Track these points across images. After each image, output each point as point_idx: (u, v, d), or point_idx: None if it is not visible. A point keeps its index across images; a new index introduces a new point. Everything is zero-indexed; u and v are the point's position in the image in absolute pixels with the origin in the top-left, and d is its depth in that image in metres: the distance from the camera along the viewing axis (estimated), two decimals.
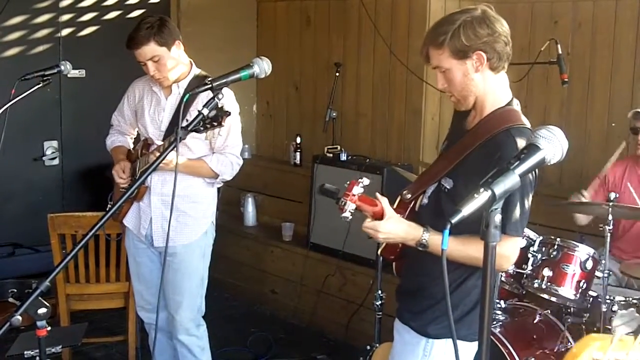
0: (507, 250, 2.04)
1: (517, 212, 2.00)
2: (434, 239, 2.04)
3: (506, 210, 1.95)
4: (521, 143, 1.98)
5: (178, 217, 3.18)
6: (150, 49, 3.00)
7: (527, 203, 2.02)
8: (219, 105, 2.48)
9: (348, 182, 2.08)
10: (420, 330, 2.18)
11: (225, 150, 3.18)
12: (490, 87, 2.10)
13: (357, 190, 2.06)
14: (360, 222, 2.11)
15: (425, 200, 2.20)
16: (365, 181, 2.08)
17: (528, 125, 2.08)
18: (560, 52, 3.70)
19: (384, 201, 2.09)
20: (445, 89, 2.13)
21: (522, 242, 2.17)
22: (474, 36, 2.02)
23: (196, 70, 3.22)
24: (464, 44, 2.02)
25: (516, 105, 2.15)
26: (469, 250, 1.99)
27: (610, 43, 4.31)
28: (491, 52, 2.04)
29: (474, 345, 2.13)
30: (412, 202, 2.21)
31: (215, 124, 2.45)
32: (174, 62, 3.09)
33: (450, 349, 2.11)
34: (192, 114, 2.59)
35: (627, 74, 4.25)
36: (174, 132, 2.11)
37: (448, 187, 2.11)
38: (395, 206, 2.18)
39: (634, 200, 3.60)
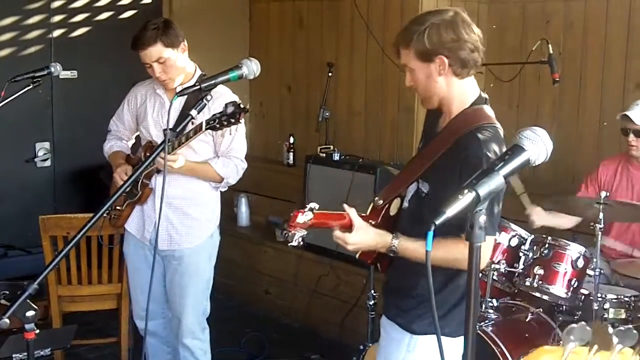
0: (484, 251, 1.97)
1: (494, 210, 2.00)
2: (404, 245, 2.05)
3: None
4: (485, 141, 1.99)
5: (183, 220, 3.16)
6: (157, 50, 2.98)
7: (499, 204, 2.04)
8: (237, 102, 2.46)
9: (292, 214, 2.00)
10: (406, 326, 2.19)
11: (230, 153, 3.14)
12: (456, 91, 2.11)
13: (302, 218, 1.97)
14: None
15: (406, 204, 2.21)
16: (314, 205, 2.00)
17: (494, 122, 2.08)
18: (551, 51, 3.71)
19: (351, 212, 2.06)
20: (412, 87, 2.15)
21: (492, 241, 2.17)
22: (437, 40, 2.02)
23: (200, 73, 3.19)
24: (426, 47, 2.03)
25: (484, 100, 2.14)
26: (439, 253, 1.93)
27: (602, 43, 4.31)
28: (454, 59, 2.04)
29: (460, 341, 2.13)
30: (386, 207, 2.21)
31: (233, 120, 2.42)
32: (180, 64, 3.07)
33: (435, 345, 2.12)
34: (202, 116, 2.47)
35: (619, 73, 4.26)
36: (170, 134, 2.09)
37: (425, 190, 2.12)
38: (367, 213, 2.17)
39: (625, 199, 3.58)
